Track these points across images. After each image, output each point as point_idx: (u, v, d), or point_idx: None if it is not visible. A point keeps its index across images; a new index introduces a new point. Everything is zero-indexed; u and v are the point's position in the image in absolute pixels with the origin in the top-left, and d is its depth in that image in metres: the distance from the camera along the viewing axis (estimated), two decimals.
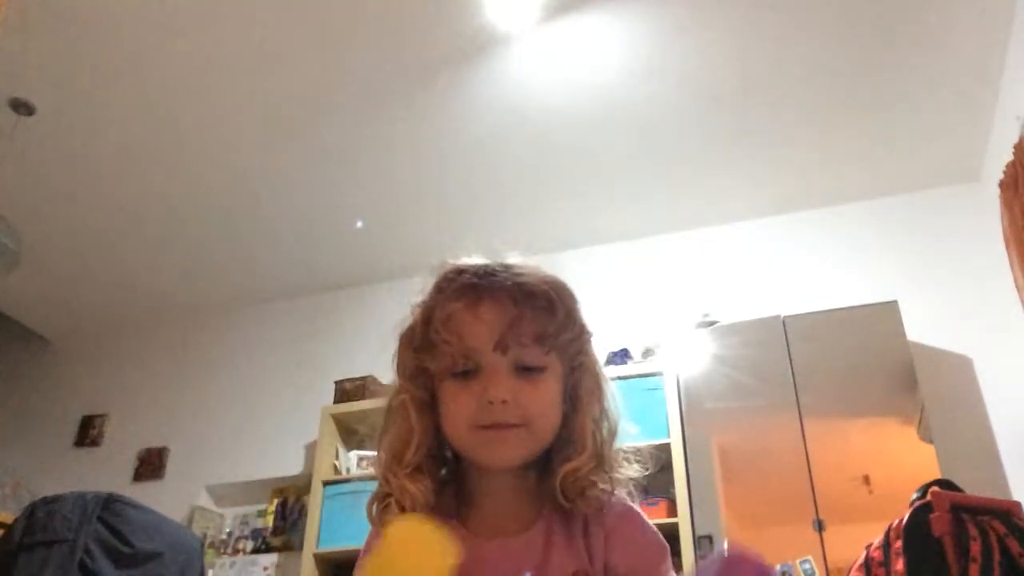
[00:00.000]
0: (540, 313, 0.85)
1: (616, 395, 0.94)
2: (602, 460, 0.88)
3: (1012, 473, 3.25)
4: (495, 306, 0.84)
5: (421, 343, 0.87)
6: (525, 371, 0.85)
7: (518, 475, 0.88)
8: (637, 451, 0.94)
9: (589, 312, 0.94)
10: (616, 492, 0.90)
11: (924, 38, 3.15)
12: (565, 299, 0.88)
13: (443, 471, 0.92)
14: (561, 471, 0.85)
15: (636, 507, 0.93)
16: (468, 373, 0.85)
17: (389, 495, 0.86)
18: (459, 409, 0.85)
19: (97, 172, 3.89)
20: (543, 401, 0.85)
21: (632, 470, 0.92)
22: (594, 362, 0.92)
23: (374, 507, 0.88)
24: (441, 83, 3.35)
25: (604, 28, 3.11)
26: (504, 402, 0.82)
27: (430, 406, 0.88)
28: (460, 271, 0.89)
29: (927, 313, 3.55)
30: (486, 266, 0.89)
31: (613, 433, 0.91)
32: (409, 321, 0.90)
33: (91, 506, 1.93)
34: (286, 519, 4.17)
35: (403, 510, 0.84)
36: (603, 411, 0.90)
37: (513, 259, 0.92)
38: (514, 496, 0.89)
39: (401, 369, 0.90)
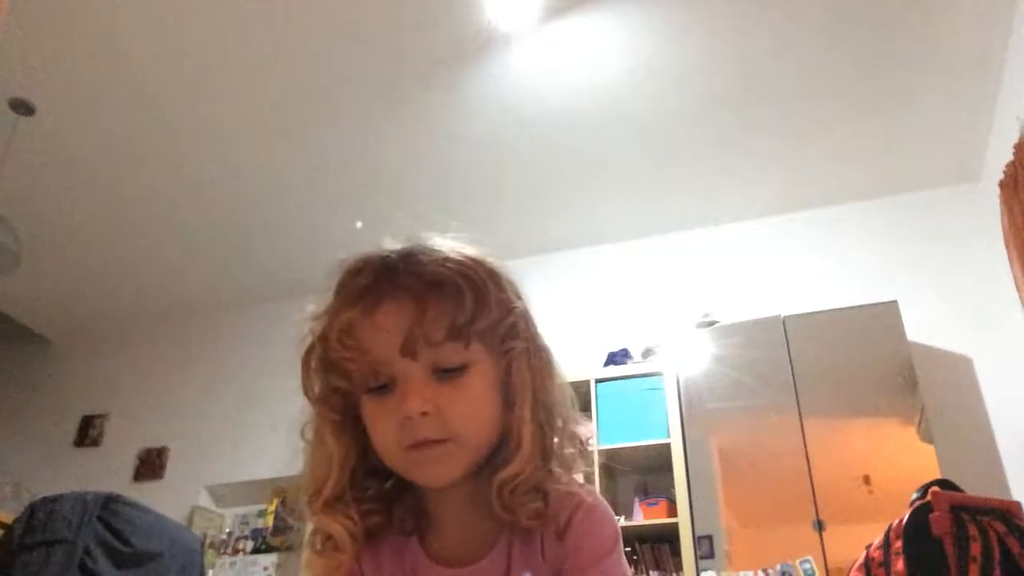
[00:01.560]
0: (447, 304, 0.72)
1: (563, 377, 0.81)
2: (548, 456, 0.76)
3: (1012, 473, 3.25)
4: (394, 307, 0.72)
5: (325, 363, 0.76)
6: (445, 373, 0.73)
7: (469, 486, 0.77)
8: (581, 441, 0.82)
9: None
10: (579, 491, 0.78)
11: (924, 39, 3.15)
12: (476, 280, 0.74)
13: (388, 484, 0.80)
14: (497, 479, 0.73)
15: (594, 504, 0.78)
16: (384, 388, 0.74)
17: None
18: (382, 432, 0.74)
19: (97, 172, 3.89)
20: (469, 405, 0.74)
21: (581, 463, 0.80)
22: (530, 345, 0.78)
23: (316, 540, 0.78)
24: (441, 83, 3.35)
25: (604, 28, 3.11)
26: (424, 414, 0.72)
27: (350, 426, 0.78)
28: (355, 271, 0.77)
29: (927, 313, 3.55)
30: (384, 260, 0.76)
31: (566, 420, 0.79)
32: (307, 338, 0.78)
33: (91, 506, 1.93)
34: (286, 519, 4.17)
35: (335, 548, 0.75)
36: (548, 396, 0.77)
37: (433, 242, 0.79)
38: (471, 510, 0.78)
39: (308, 393, 0.79)
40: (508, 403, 0.76)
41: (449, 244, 0.79)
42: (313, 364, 0.78)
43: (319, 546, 0.77)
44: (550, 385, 0.78)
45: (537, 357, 0.78)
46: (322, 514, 0.76)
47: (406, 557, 0.79)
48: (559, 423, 0.78)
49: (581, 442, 0.80)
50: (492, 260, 0.79)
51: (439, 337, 0.72)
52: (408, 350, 0.72)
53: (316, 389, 0.78)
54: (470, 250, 0.78)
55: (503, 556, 0.76)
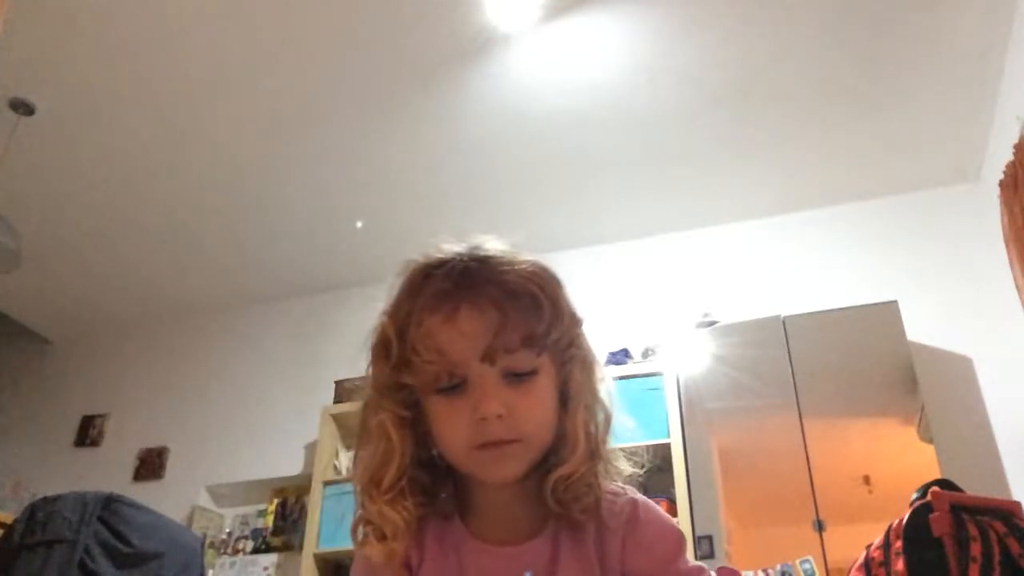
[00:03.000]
0: (526, 314, 0.77)
1: (609, 381, 0.87)
2: (597, 456, 0.81)
3: (1012, 473, 3.24)
4: (476, 314, 0.76)
5: (398, 360, 0.79)
6: (515, 378, 0.78)
7: (518, 482, 0.82)
8: (633, 451, 0.89)
9: (585, 307, 0.88)
10: (621, 489, 0.85)
11: (924, 38, 3.15)
12: (550, 292, 0.80)
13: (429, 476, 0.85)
14: (553, 476, 0.79)
15: (647, 502, 0.85)
16: (455, 388, 0.78)
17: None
18: (452, 430, 0.78)
19: (97, 172, 3.89)
20: (539, 408, 0.79)
21: (628, 464, 0.86)
22: (585, 350, 0.84)
23: (359, 531, 0.82)
24: (441, 83, 3.35)
25: (604, 28, 3.11)
26: (499, 416, 0.76)
27: (412, 421, 0.82)
28: (429, 274, 0.80)
29: (927, 313, 3.55)
30: (460, 264, 0.80)
31: (609, 422, 0.85)
32: (380, 332, 0.82)
33: (91, 506, 1.93)
34: (286, 519, 4.17)
35: (383, 537, 0.79)
36: (596, 401, 0.83)
37: (490, 245, 0.83)
38: (517, 503, 0.84)
39: (377, 385, 0.82)
40: (563, 406, 0.82)
41: (504, 248, 0.83)
42: (387, 359, 0.80)
43: (373, 534, 0.80)
44: (598, 389, 0.84)
45: (589, 363, 0.84)
46: (383, 504, 0.79)
47: (447, 536, 0.83)
48: (605, 425, 0.84)
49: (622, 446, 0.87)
50: (553, 270, 0.84)
51: (516, 345, 0.76)
52: (488, 356, 0.76)
53: (386, 383, 0.81)
54: (533, 258, 0.82)
55: (549, 542, 0.81)
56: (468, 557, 0.82)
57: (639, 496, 0.85)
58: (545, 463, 0.82)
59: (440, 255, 0.82)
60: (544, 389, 0.80)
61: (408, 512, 0.79)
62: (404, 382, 0.80)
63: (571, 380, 0.82)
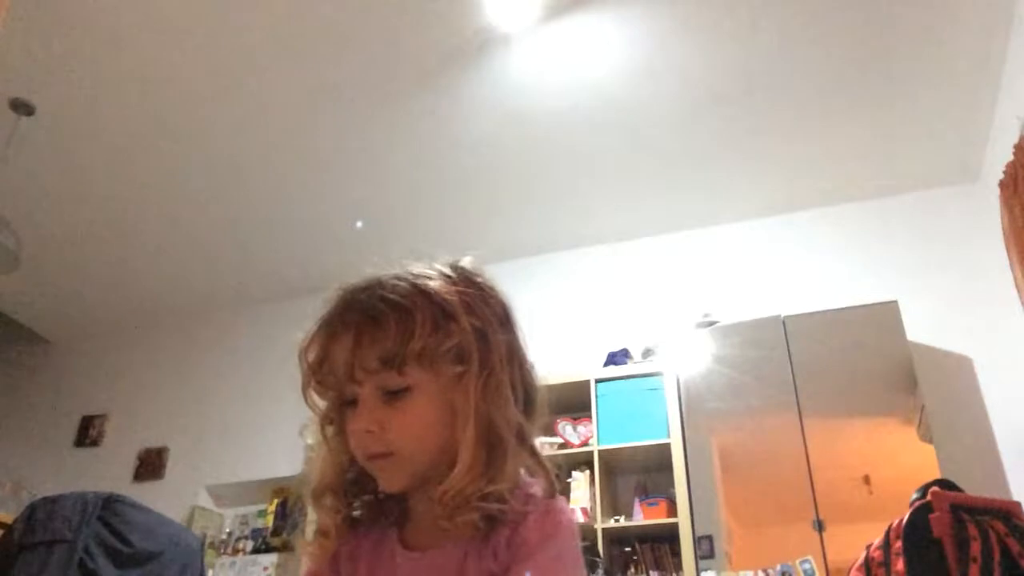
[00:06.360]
0: (379, 333, 0.80)
1: (536, 396, 0.88)
2: (495, 475, 0.80)
3: (1012, 473, 3.25)
4: (345, 336, 0.82)
5: (307, 380, 0.86)
6: (391, 395, 0.81)
7: (425, 491, 0.83)
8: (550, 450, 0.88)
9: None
10: (531, 494, 0.82)
11: (924, 38, 3.15)
12: (405, 310, 0.81)
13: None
14: (435, 492, 0.80)
15: (549, 506, 0.82)
16: (353, 403, 0.83)
17: None
18: (351, 440, 0.84)
19: (97, 172, 3.89)
20: (410, 424, 0.81)
21: (543, 485, 0.84)
22: (477, 368, 0.82)
23: (311, 530, 0.88)
24: (441, 83, 3.35)
25: (604, 28, 3.11)
26: (369, 432, 0.81)
27: (342, 431, 0.87)
28: (328, 302, 0.87)
29: (927, 313, 3.55)
30: (345, 293, 0.86)
31: (524, 439, 0.84)
32: (298, 352, 0.88)
33: (91, 506, 1.93)
34: (286, 519, 4.17)
35: (318, 536, 0.86)
36: (496, 421, 0.82)
37: (408, 268, 0.87)
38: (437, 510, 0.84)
39: (307, 401, 0.88)
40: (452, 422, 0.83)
41: (422, 271, 0.86)
42: (305, 381, 0.87)
43: (312, 534, 0.88)
44: (502, 406, 0.83)
45: (488, 379, 0.83)
46: (314, 506, 0.87)
47: (385, 544, 0.88)
48: (512, 442, 0.82)
49: (540, 460, 0.85)
50: (449, 288, 0.84)
51: (374, 365, 0.80)
52: (351, 377, 0.82)
53: (312, 399, 0.87)
54: (435, 280, 0.85)
55: (460, 548, 0.82)
56: (395, 562, 0.86)
57: (550, 505, 0.82)
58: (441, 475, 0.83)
59: (343, 285, 0.88)
60: (420, 405, 0.82)
61: (338, 514, 0.86)
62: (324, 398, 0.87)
63: (458, 396, 0.82)
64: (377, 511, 0.89)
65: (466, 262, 0.90)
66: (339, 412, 0.86)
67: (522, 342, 0.89)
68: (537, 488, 0.83)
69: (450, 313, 0.82)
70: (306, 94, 3.43)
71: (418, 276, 0.85)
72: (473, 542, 0.81)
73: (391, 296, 0.82)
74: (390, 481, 0.84)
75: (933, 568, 1.61)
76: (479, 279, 0.89)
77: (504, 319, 0.88)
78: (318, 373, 0.84)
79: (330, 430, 0.88)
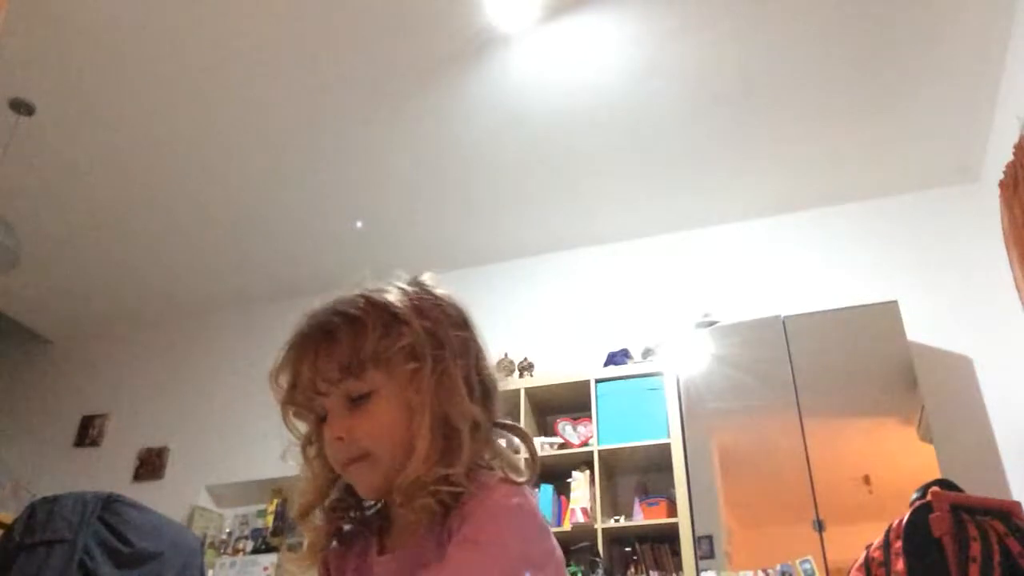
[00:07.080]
0: (335, 345, 0.85)
1: (491, 384, 0.90)
2: (452, 463, 0.82)
3: (1012, 473, 3.25)
4: (305, 352, 0.87)
5: (284, 402, 0.90)
6: (356, 401, 0.85)
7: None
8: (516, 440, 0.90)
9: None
10: (487, 484, 0.82)
11: (924, 38, 3.15)
12: (352, 318, 0.86)
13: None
14: (396, 482, 0.83)
15: (496, 498, 0.81)
16: (325, 416, 0.87)
17: None
18: (327, 451, 0.88)
19: (97, 172, 3.89)
20: (376, 426, 0.85)
21: (510, 470, 0.85)
22: (427, 364, 0.85)
23: (297, 544, 0.94)
24: (440, 83, 3.35)
25: (604, 28, 3.11)
26: (340, 439, 0.85)
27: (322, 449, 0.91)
28: (296, 324, 0.90)
29: (927, 313, 3.55)
30: (314, 312, 0.90)
31: (478, 427, 0.86)
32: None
33: (91, 506, 1.93)
34: (286, 519, 4.17)
35: (306, 548, 0.90)
36: (449, 412, 0.85)
37: (364, 286, 0.91)
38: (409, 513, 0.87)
39: (287, 424, 0.92)
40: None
41: (379, 287, 0.90)
42: (282, 407, 0.91)
43: (296, 549, 0.92)
44: (457, 400, 0.86)
45: (442, 375, 0.86)
46: (301, 522, 0.91)
47: (368, 553, 0.91)
48: (467, 433, 0.85)
49: (498, 450, 0.88)
50: (402, 298, 0.89)
51: (335, 375, 0.84)
52: (316, 391, 0.85)
53: (291, 423, 0.92)
54: (390, 293, 0.89)
55: (424, 542, 0.84)
56: (373, 570, 0.89)
57: (501, 490, 0.82)
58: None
59: (313, 308, 0.91)
60: (382, 406, 0.85)
61: (323, 529, 0.90)
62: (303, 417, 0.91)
63: (416, 392, 0.85)
64: (363, 525, 0.93)
65: (425, 277, 0.93)
66: (317, 431, 0.89)
67: (479, 341, 0.92)
68: (493, 477, 0.84)
69: (401, 317, 0.87)
70: (306, 94, 3.43)
71: (373, 291, 0.90)
72: (432, 533, 0.83)
73: (343, 309, 0.87)
74: (367, 487, 0.87)
75: (933, 568, 1.61)
76: (435, 289, 0.92)
77: (458, 321, 0.91)
78: (292, 396, 0.88)
79: (311, 451, 0.91)
